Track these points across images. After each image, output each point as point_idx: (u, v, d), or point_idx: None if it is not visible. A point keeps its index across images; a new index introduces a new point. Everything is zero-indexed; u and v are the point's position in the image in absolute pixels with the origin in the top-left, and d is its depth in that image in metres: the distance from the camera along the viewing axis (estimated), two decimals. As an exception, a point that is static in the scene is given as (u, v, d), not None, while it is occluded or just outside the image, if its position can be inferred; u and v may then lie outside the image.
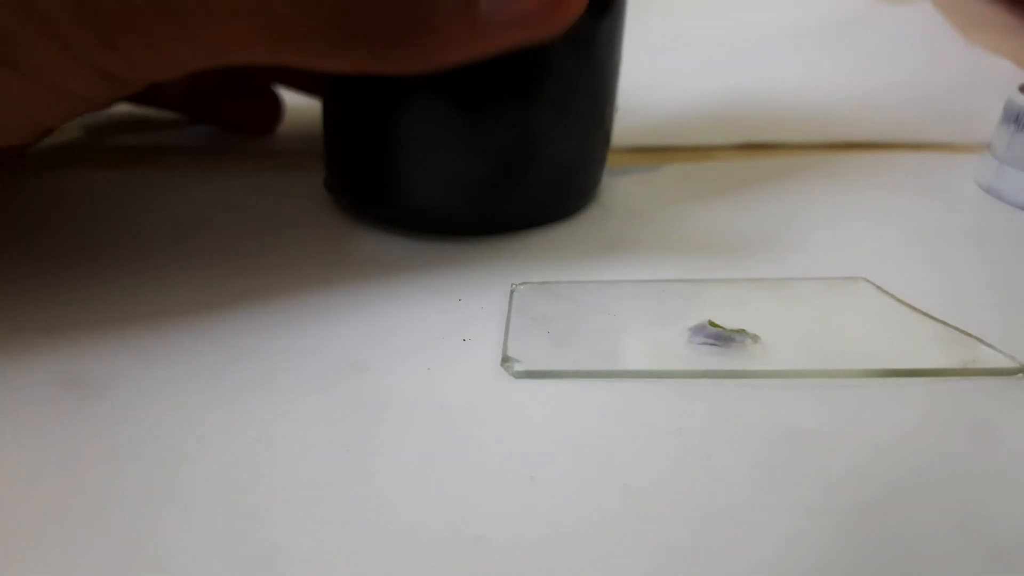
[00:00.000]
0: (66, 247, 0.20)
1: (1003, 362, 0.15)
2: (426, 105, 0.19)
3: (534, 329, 0.16)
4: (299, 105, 0.31)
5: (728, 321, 0.16)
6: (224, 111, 0.28)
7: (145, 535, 0.11)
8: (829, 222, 0.22)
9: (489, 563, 0.11)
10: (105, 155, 0.27)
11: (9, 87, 0.14)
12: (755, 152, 0.28)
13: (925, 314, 0.17)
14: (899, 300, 0.17)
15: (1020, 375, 0.15)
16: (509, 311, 0.17)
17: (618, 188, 0.24)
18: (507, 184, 0.20)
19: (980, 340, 0.16)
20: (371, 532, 0.11)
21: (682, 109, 0.32)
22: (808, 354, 0.15)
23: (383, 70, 0.16)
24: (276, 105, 0.29)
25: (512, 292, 0.18)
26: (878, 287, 0.18)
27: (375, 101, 0.19)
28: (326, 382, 0.15)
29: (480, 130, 0.19)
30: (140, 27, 0.14)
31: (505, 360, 0.15)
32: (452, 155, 0.19)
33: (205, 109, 0.29)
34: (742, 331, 0.16)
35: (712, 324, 0.16)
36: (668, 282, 0.18)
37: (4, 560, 0.11)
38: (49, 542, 0.11)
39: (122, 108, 0.30)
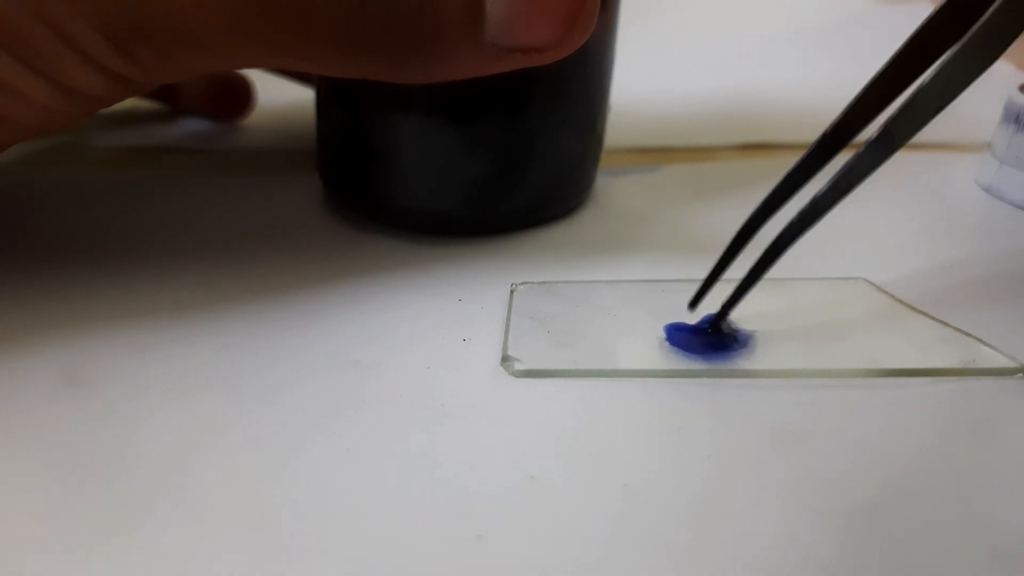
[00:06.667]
0: (65, 246, 0.20)
1: (1003, 362, 0.15)
2: (422, 107, 0.19)
3: (534, 329, 0.16)
4: (299, 105, 0.31)
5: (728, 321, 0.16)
6: (199, 98, 0.29)
7: (143, 532, 0.11)
8: (829, 222, 0.22)
9: (489, 563, 0.11)
10: (105, 155, 0.27)
11: (29, 89, 0.15)
12: (755, 152, 0.28)
13: (925, 314, 0.17)
14: (899, 300, 0.17)
15: (1020, 375, 0.15)
16: (509, 311, 0.17)
17: (618, 188, 0.24)
18: (502, 185, 0.20)
19: (980, 340, 0.16)
20: (371, 531, 0.11)
21: (682, 109, 0.32)
22: (808, 354, 0.15)
23: (385, 80, 0.16)
24: (246, 89, 0.29)
25: (512, 292, 0.18)
26: (878, 287, 0.18)
27: (372, 103, 0.19)
28: (327, 381, 0.15)
29: (475, 131, 0.19)
30: (155, 39, 0.14)
31: (505, 359, 0.15)
32: (447, 156, 0.19)
33: (185, 98, 0.29)
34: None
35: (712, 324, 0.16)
36: (668, 282, 0.18)
37: (2, 557, 0.11)
38: (47, 538, 0.11)
39: (119, 105, 0.30)
